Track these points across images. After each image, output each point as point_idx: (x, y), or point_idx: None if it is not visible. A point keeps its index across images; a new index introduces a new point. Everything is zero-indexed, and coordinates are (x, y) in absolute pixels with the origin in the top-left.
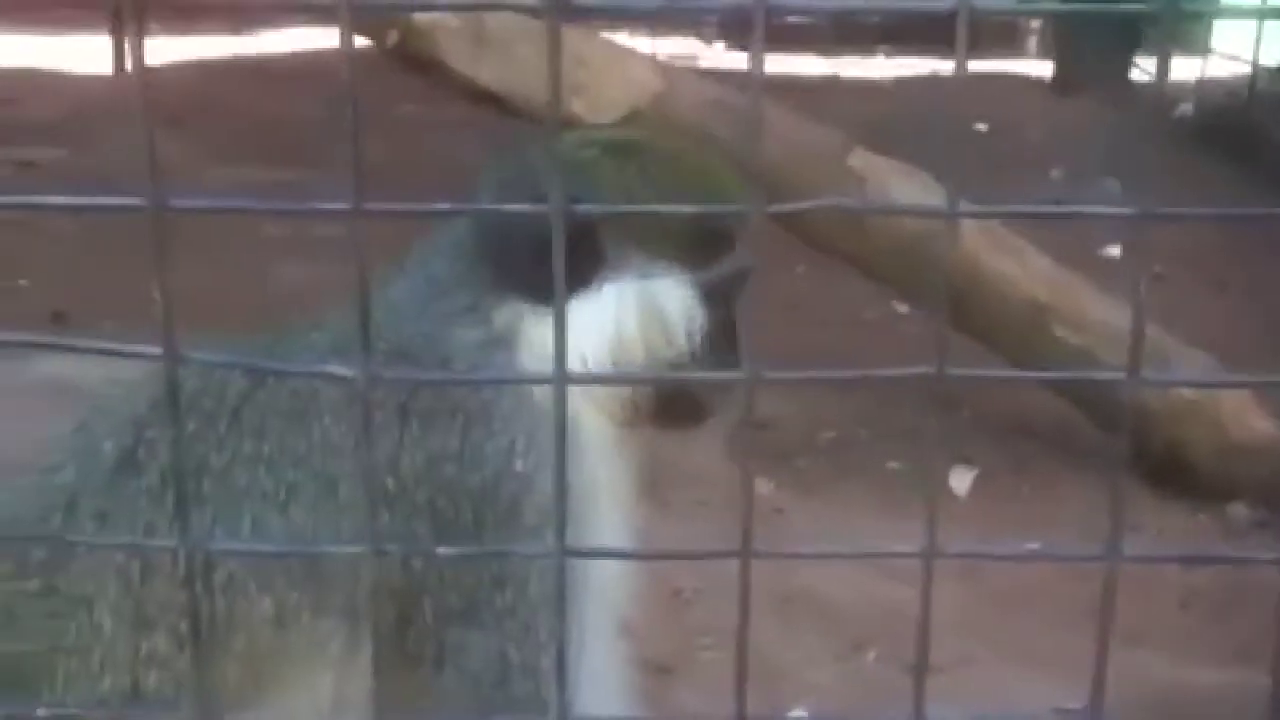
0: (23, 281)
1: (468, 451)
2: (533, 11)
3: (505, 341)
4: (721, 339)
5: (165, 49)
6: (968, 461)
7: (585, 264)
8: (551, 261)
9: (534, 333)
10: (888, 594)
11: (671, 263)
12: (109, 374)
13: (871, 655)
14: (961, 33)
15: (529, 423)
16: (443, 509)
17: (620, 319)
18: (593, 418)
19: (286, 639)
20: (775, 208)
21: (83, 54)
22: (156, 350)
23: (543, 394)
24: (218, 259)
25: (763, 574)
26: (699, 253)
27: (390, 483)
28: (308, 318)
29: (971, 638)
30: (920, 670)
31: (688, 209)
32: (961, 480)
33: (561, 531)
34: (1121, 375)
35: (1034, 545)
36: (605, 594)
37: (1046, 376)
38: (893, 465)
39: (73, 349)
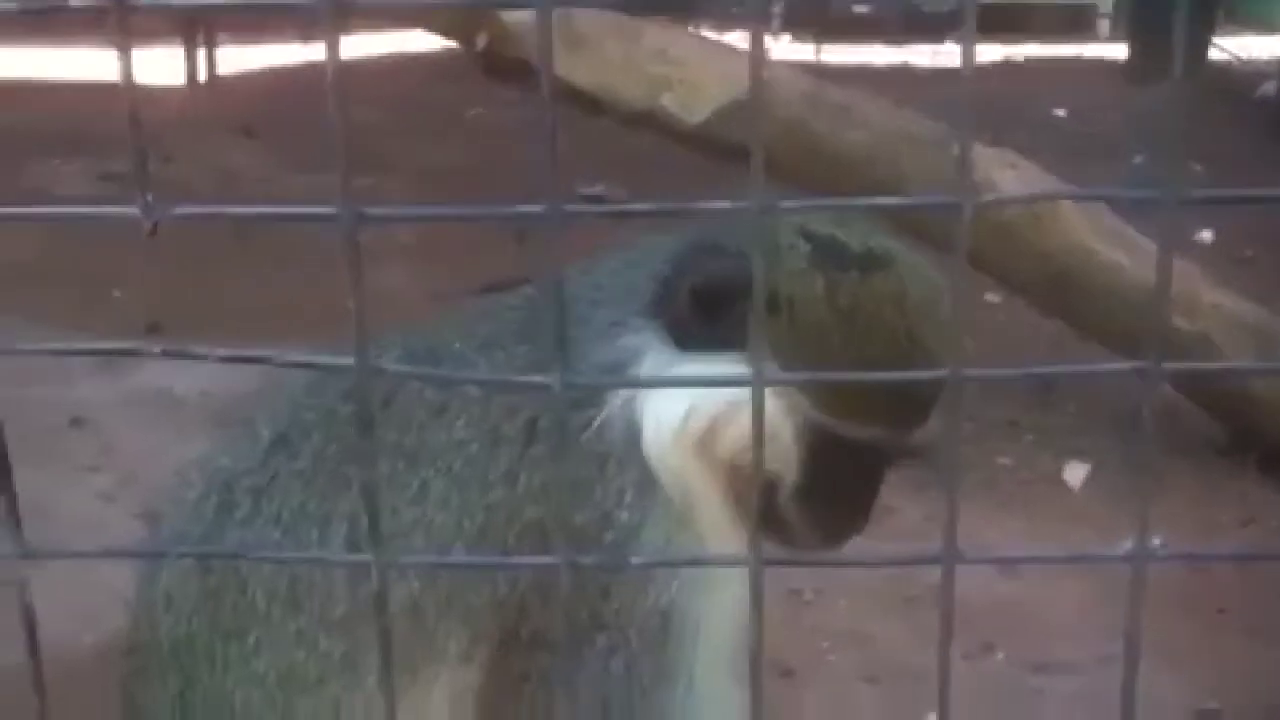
0: (116, 293)
1: (580, 486)
2: (623, 7)
3: (623, 366)
4: (829, 499)
5: (236, 58)
6: (1080, 455)
7: (722, 326)
8: (704, 314)
9: (664, 371)
10: (1012, 593)
11: (823, 399)
12: (207, 385)
13: (1000, 655)
14: (970, 20)
15: (640, 474)
16: (549, 534)
17: (723, 404)
18: (713, 494)
19: (415, 630)
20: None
21: (155, 66)
22: (349, 361)
23: (661, 454)
24: (297, 268)
25: (887, 573)
26: (838, 402)
27: (506, 494)
28: (408, 324)
29: (1102, 636)
30: (1129, 682)
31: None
32: (1075, 474)
33: (757, 543)
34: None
35: (1156, 542)
36: (716, 641)
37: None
38: (1003, 461)
39: (265, 361)
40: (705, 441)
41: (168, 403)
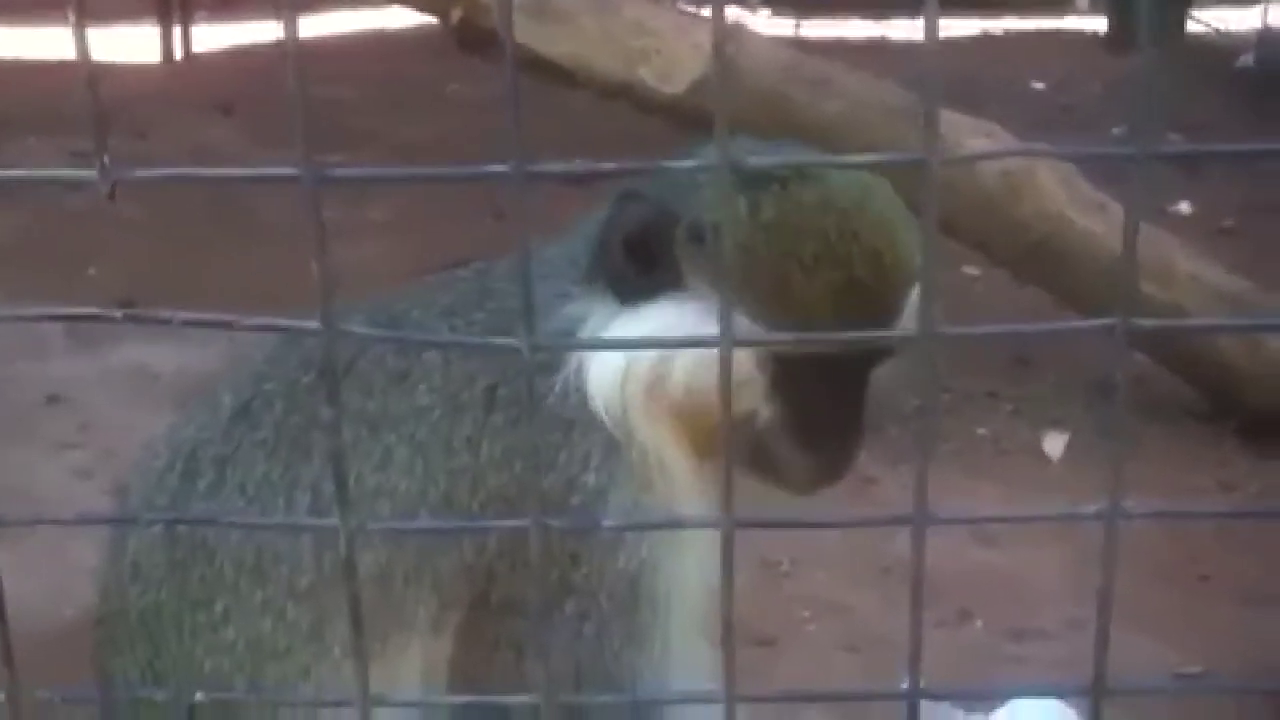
0: (91, 270)
1: (545, 451)
2: None
3: (572, 334)
4: (811, 424)
5: (212, 36)
6: (1059, 425)
7: (659, 274)
8: (639, 265)
9: (606, 329)
10: (987, 560)
11: (766, 318)
12: (183, 361)
13: (978, 623)
14: None
15: (605, 437)
16: (514, 500)
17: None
18: (672, 449)
19: (383, 598)
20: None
21: (131, 44)
22: (315, 324)
23: (612, 413)
24: (272, 244)
25: (862, 544)
26: (789, 315)
27: (469, 460)
28: (382, 294)
29: (1078, 601)
30: (1100, 641)
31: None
32: (1054, 444)
33: (729, 503)
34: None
35: (1130, 504)
36: (688, 603)
37: (1210, 324)
38: (980, 431)
39: (230, 326)
40: (653, 390)
41: (144, 379)
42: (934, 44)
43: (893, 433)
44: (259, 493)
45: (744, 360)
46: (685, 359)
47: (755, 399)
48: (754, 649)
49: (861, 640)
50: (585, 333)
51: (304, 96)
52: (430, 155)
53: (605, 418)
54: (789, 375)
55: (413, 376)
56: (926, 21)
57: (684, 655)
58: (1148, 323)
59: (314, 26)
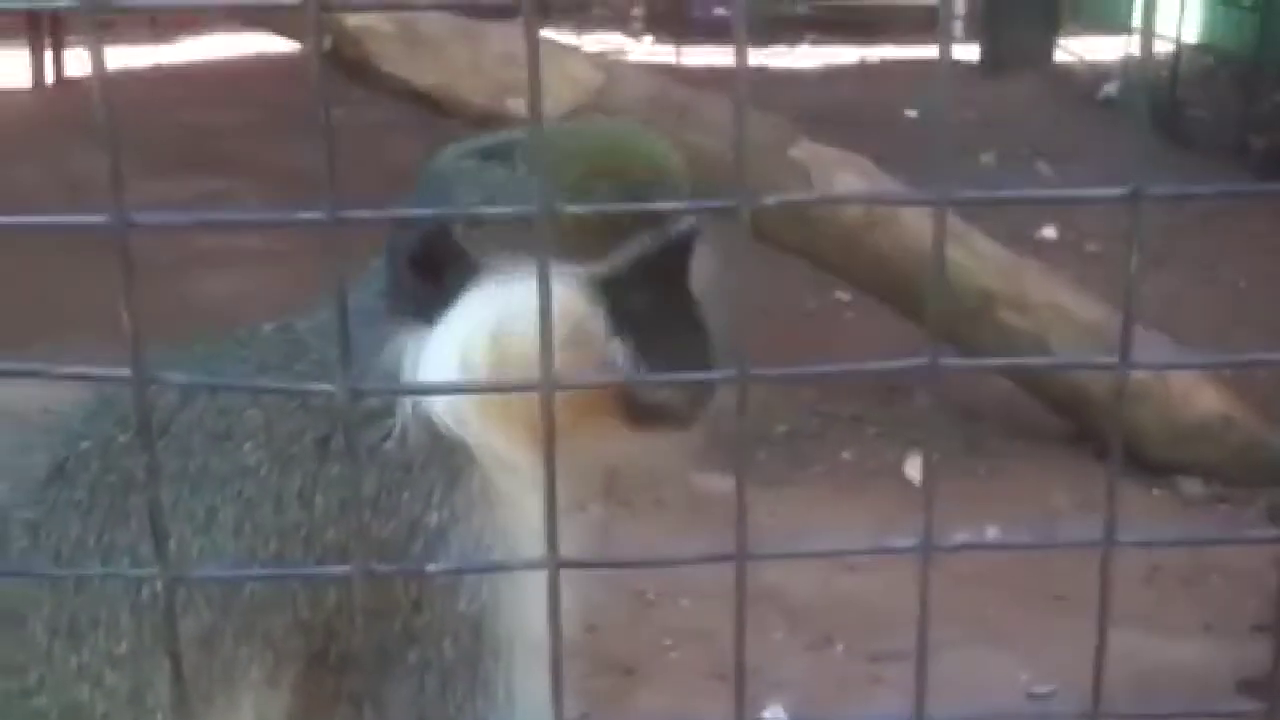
0: None
1: (383, 499)
2: (463, 10)
3: (398, 369)
4: (660, 325)
5: (83, 59)
6: (920, 448)
7: (454, 275)
8: (430, 276)
9: (424, 352)
10: (850, 587)
11: (558, 257)
12: (46, 397)
13: (840, 647)
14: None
15: (445, 467)
16: (353, 554)
17: (491, 327)
18: (502, 445)
19: (209, 660)
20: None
21: (1, 67)
22: (125, 372)
23: (462, 425)
24: (143, 273)
25: (725, 574)
26: (591, 241)
27: (302, 516)
28: (231, 332)
29: (938, 624)
30: (921, 662)
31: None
32: (915, 467)
33: (554, 543)
34: (1112, 361)
35: (993, 528)
36: (533, 639)
37: (1043, 363)
38: (846, 455)
39: (36, 375)
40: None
41: (6, 419)
42: (744, 75)
43: (760, 457)
44: (74, 556)
45: (575, 300)
46: (520, 327)
47: (601, 337)
48: (615, 678)
49: (726, 667)
50: (407, 365)
51: (114, 134)
52: (311, 181)
53: (456, 432)
54: (618, 294)
55: (235, 435)
56: (737, 53)
57: (528, 699)
58: (955, 362)
59: (195, 50)
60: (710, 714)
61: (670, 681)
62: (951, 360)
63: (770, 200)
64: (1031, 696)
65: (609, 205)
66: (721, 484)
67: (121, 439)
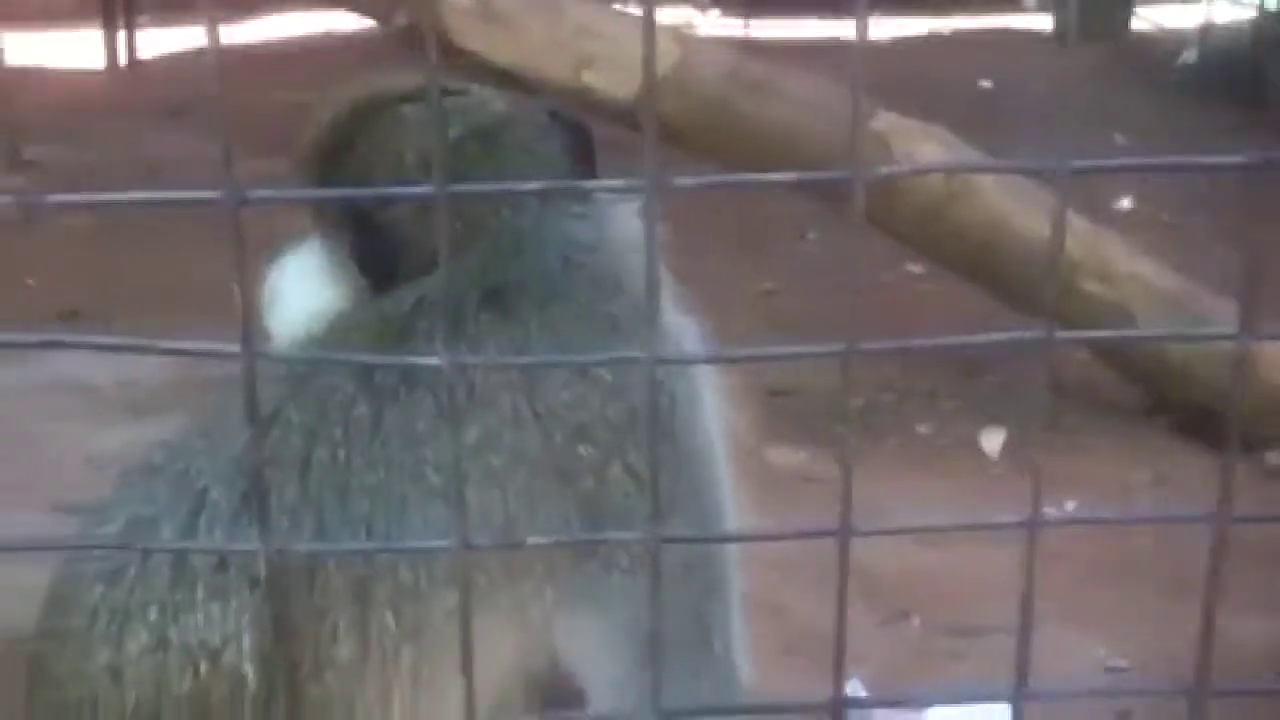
0: (30, 281)
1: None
2: None
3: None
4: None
5: (157, 41)
6: (998, 422)
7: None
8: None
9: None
10: (925, 561)
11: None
12: (121, 373)
13: (916, 622)
14: None
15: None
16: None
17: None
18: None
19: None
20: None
21: (74, 50)
22: (235, 348)
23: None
24: (217, 252)
25: (801, 548)
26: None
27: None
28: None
29: (1013, 599)
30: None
31: None
32: (992, 441)
33: (656, 515)
34: (1232, 332)
35: (1071, 503)
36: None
37: (1159, 334)
38: (921, 429)
39: (148, 350)
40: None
41: (84, 392)
42: (861, 47)
43: (837, 430)
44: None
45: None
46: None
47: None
48: None
49: (804, 643)
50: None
51: (222, 112)
52: None
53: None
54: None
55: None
56: (858, 27)
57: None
58: (1072, 336)
59: (263, 30)
60: (783, 688)
61: (754, 654)
62: (1067, 334)
63: (883, 170)
64: (1109, 670)
65: None
66: (793, 457)
67: (339, 433)
